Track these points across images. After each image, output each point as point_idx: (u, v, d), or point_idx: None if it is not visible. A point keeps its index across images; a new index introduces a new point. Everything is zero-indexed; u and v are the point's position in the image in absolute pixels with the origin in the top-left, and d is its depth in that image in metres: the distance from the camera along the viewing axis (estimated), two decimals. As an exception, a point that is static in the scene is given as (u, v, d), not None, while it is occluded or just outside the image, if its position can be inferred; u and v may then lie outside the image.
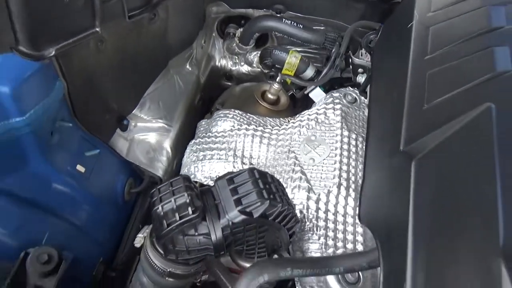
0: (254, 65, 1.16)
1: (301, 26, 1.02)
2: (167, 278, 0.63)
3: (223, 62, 1.28)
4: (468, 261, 0.38)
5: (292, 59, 1.01)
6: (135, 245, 0.66)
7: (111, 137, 0.86)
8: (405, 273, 0.41)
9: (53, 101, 0.67)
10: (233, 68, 1.27)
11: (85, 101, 0.76)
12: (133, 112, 0.92)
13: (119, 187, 0.89)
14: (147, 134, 0.96)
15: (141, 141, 0.94)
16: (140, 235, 0.66)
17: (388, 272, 0.47)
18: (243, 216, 0.56)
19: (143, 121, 0.95)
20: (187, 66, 1.08)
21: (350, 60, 1.01)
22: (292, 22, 1.03)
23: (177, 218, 0.56)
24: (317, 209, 0.73)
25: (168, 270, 0.62)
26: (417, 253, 0.42)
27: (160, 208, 0.57)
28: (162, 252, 0.60)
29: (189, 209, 0.56)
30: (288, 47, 1.12)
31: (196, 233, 0.58)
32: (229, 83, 1.29)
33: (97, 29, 0.66)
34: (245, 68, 1.25)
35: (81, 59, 0.72)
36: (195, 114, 1.11)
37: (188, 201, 0.56)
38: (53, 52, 0.62)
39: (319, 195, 0.74)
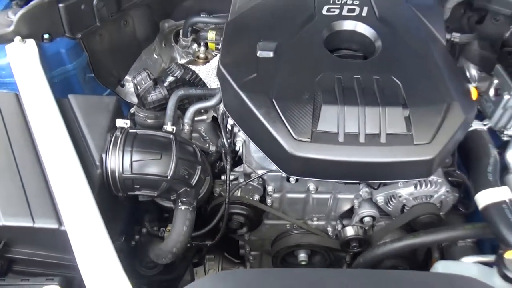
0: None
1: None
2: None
3: (182, 60, 2.05)
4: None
5: (211, 34, 1.77)
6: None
7: (115, 88, 1.61)
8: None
9: (82, 61, 1.42)
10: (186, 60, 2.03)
11: (98, 66, 1.52)
12: (125, 77, 1.67)
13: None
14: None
15: (132, 93, 1.68)
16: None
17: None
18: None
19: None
20: (154, 55, 1.85)
21: None
22: (209, 16, 1.80)
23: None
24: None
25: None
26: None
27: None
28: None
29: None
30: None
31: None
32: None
33: (98, 23, 1.42)
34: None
35: (93, 44, 1.48)
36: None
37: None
38: (80, 35, 1.39)
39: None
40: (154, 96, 1.28)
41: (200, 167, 1.10)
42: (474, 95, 1.23)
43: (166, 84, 1.28)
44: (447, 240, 1.22)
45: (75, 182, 0.90)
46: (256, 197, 1.35)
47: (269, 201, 1.35)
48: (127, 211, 1.15)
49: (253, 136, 1.07)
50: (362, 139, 0.98)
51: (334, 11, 1.22)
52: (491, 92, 1.39)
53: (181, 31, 1.89)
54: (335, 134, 0.99)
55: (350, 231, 1.39)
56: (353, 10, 1.22)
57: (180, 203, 1.07)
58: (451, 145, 1.03)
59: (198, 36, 1.79)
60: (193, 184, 1.09)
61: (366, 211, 1.36)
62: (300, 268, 1.44)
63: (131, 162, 1.00)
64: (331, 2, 1.25)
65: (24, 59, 1.14)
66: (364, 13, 1.21)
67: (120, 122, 1.05)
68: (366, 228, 1.41)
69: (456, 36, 1.37)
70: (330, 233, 1.45)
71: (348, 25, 1.17)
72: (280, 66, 1.08)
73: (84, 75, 1.44)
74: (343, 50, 1.22)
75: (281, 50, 1.11)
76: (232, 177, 1.35)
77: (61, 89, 1.36)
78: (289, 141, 0.98)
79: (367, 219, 1.37)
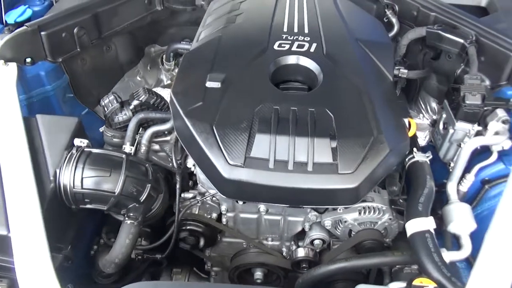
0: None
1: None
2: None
3: (168, 82, 2.18)
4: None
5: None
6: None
7: (94, 107, 1.74)
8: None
9: (62, 82, 1.56)
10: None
11: (79, 87, 1.65)
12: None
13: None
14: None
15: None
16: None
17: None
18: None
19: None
20: (138, 77, 1.98)
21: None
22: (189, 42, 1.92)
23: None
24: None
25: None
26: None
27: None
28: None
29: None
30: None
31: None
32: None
33: (78, 49, 1.56)
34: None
35: (74, 67, 1.62)
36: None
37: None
38: (60, 60, 1.53)
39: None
40: (120, 117, 1.40)
41: (149, 185, 1.20)
42: (412, 128, 1.30)
43: (131, 107, 1.40)
44: (377, 265, 1.28)
45: (26, 194, 1.01)
46: (214, 215, 1.43)
47: (224, 220, 1.44)
48: (83, 222, 1.25)
49: (197, 159, 1.17)
50: (290, 166, 1.07)
51: (284, 47, 1.32)
52: (440, 125, 1.46)
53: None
54: (266, 160, 1.08)
55: (301, 253, 1.45)
56: (302, 46, 1.32)
57: (126, 218, 1.16)
58: (376, 175, 1.10)
59: (179, 61, 1.92)
60: (142, 200, 1.19)
61: (316, 234, 1.43)
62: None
63: (82, 178, 1.11)
64: (283, 38, 1.35)
65: (1, 81, 1.28)
66: (312, 49, 1.31)
67: (77, 141, 1.16)
68: (317, 250, 1.48)
69: (404, 72, 1.45)
70: (284, 253, 1.52)
71: (291, 59, 1.27)
72: (225, 96, 1.18)
73: (64, 95, 1.58)
74: (292, 82, 1.32)
75: (228, 81, 1.21)
76: (191, 195, 1.45)
77: (40, 107, 1.50)
78: (224, 165, 1.07)
79: (317, 242, 1.44)
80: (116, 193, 1.13)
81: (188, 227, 1.44)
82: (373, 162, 1.07)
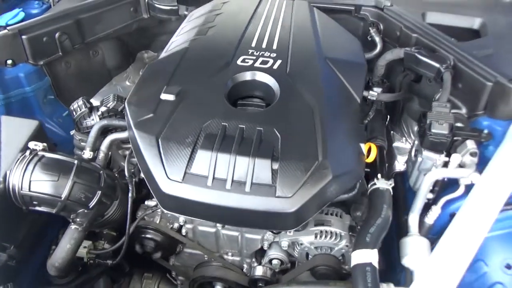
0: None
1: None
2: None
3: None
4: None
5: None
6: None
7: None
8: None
9: (43, 84, 1.61)
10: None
11: (61, 89, 1.70)
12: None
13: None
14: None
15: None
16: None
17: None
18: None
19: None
20: (126, 82, 2.02)
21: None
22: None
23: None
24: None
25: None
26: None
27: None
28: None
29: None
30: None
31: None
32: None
33: (60, 53, 1.61)
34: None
35: (57, 70, 1.68)
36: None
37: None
38: (42, 63, 1.59)
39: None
40: (88, 122, 1.43)
41: (100, 192, 1.22)
42: (372, 153, 1.25)
43: (99, 113, 1.42)
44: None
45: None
46: (176, 225, 1.43)
47: (184, 231, 1.44)
48: (44, 226, 1.29)
49: (143, 171, 1.17)
50: (228, 185, 1.05)
51: (248, 62, 1.30)
52: (412, 152, 1.40)
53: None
54: (205, 177, 1.06)
55: (259, 271, 1.43)
56: (266, 63, 1.30)
57: (72, 223, 1.18)
58: (318, 201, 1.06)
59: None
60: (91, 206, 1.21)
61: (274, 253, 1.40)
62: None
63: (30, 180, 1.14)
64: (249, 53, 1.34)
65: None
66: (275, 66, 1.29)
67: (32, 144, 1.20)
68: (277, 270, 1.45)
69: (373, 95, 1.40)
70: (245, 270, 1.50)
71: (248, 76, 1.26)
72: (177, 109, 1.18)
73: (45, 96, 1.64)
74: (253, 98, 1.30)
75: (183, 95, 1.21)
76: (154, 203, 1.46)
77: (19, 108, 1.56)
78: (163, 179, 1.07)
79: (275, 261, 1.41)
80: (62, 198, 1.15)
81: (147, 235, 1.45)
82: (314, 187, 1.03)
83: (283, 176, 1.04)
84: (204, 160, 1.07)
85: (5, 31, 1.45)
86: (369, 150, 1.23)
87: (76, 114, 1.43)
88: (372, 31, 1.60)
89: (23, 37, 1.48)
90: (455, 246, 1.01)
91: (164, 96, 1.20)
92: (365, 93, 1.38)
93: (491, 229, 1.05)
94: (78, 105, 1.42)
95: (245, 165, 1.06)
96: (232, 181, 1.05)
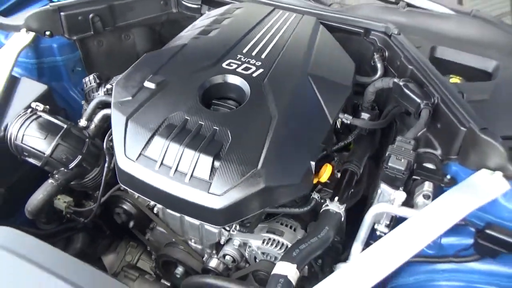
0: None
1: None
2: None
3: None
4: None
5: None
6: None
7: (102, 84, 2.01)
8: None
9: (73, 57, 1.84)
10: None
11: (91, 64, 1.92)
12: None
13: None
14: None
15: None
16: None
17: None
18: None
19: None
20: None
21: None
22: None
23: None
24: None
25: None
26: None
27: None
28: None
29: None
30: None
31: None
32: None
33: (92, 32, 1.83)
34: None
35: (88, 46, 1.89)
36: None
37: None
38: (75, 38, 1.81)
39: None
40: (95, 95, 1.62)
41: (81, 157, 1.39)
42: (326, 174, 1.26)
43: (104, 89, 1.60)
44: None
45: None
46: (152, 202, 1.57)
47: (155, 210, 1.57)
48: (28, 175, 1.50)
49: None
50: (172, 173, 1.15)
51: (232, 66, 1.39)
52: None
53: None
54: (155, 162, 1.17)
55: (213, 263, 1.51)
56: (248, 69, 1.37)
57: (50, 177, 1.37)
58: (246, 206, 1.12)
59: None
60: (70, 167, 1.38)
61: (228, 250, 1.48)
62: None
63: (23, 134, 1.34)
64: (237, 58, 1.42)
65: (13, 44, 1.59)
66: (255, 74, 1.36)
67: (34, 104, 1.40)
68: (229, 266, 1.52)
69: (348, 118, 1.40)
70: (205, 259, 1.59)
71: (220, 78, 1.34)
72: (153, 97, 1.30)
73: (74, 67, 1.87)
74: (228, 100, 1.38)
75: (164, 86, 1.33)
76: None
77: (50, 73, 1.80)
78: (121, 156, 1.20)
79: (227, 257, 1.48)
80: (45, 154, 1.34)
81: (122, 205, 1.61)
82: (243, 192, 1.09)
83: (220, 175, 1.12)
84: (157, 146, 1.18)
85: (48, 6, 1.69)
86: (323, 170, 1.25)
87: (86, 86, 1.62)
88: (376, 56, 1.58)
89: (62, 13, 1.71)
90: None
91: (146, 84, 1.33)
92: (340, 116, 1.39)
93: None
94: (89, 79, 1.62)
95: (190, 158, 1.15)
96: (176, 170, 1.15)
